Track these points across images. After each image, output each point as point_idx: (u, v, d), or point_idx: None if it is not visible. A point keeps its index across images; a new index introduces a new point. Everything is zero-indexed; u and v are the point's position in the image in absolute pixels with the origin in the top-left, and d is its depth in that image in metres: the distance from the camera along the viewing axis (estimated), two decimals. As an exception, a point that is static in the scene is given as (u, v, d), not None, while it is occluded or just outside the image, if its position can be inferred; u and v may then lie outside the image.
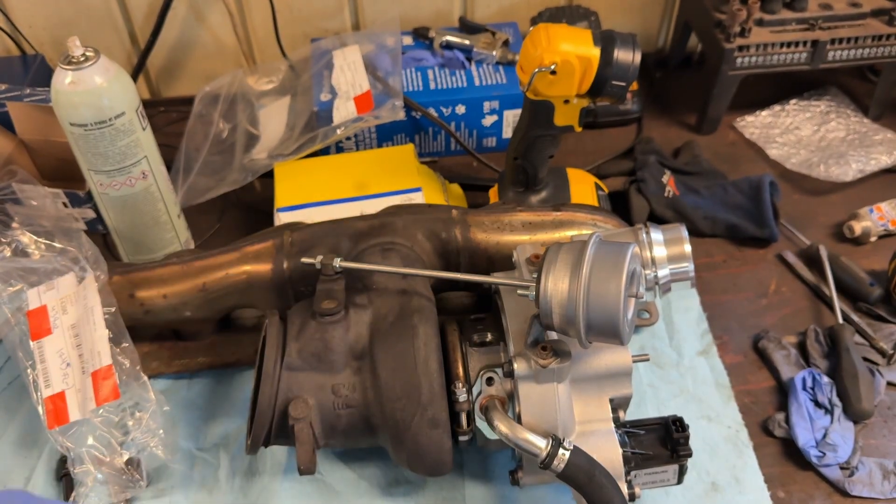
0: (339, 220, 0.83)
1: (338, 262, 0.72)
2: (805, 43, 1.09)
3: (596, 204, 0.97)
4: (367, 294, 0.74)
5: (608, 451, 0.66)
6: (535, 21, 1.22)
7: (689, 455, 0.68)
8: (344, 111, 1.04)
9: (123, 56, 1.25)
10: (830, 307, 0.93)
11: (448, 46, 1.16)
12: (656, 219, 1.02)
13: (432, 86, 1.11)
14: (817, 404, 0.82)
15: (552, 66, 0.79)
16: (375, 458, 0.80)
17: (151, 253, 0.95)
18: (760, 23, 1.09)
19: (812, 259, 0.99)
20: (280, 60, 1.21)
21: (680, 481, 0.70)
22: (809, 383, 0.83)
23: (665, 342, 0.91)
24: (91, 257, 0.81)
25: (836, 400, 0.82)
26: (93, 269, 0.80)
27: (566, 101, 0.84)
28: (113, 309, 0.78)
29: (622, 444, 0.67)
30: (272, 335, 0.70)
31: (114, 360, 0.75)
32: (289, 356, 0.70)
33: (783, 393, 0.85)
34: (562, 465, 0.62)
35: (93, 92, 0.80)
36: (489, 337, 0.72)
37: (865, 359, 0.86)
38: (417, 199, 0.94)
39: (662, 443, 0.69)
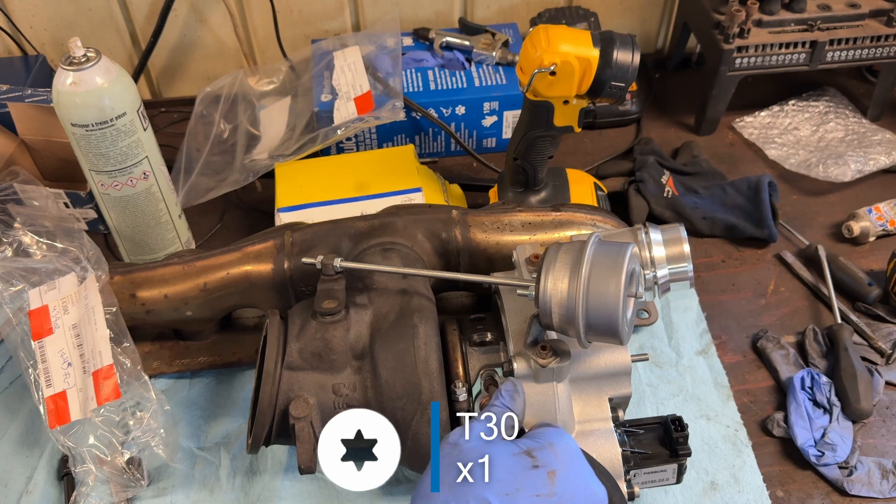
0: (339, 221, 0.83)
1: (338, 262, 0.72)
2: (804, 44, 1.09)
3: (595, 204, 0.97)
4: (368, 294, 0.74)
5: (607, 451, 0.66)
6: (534, 22, 1.22)
7: (688, 454, 0.69)
8: (344, 112, 1.05)
9: (125, 57, 1.25)
10: (829, 307, 0.93)
11: (448, 47, 1.16)
12: (655, 219, 1.02)
13: (432, 86, 1.11)
14: (816, 404, 0.83)
15: (552, 67, 0.79)
16: (376, 457, 0.80)
17: (153, 253, 0.95)
18: (759, 24, 1.09)
19: (811, 259, 0.99)
20: (281, 61, 1.21)
21: (679, 480, 0.71)
22: (808, 383, 0.84)
23: (664, 342, 0.91)
24: (92, 257, 0.82)
25: (834, 399, 0.83)
26: (94, 269, 0.80)
27: (566, 102, 0.84)
28: (114, 309, 0.78)
29: (621, 444, 0.67)
30: (273, 335, 0.71)
31: (115, 360, 0.76)
32: (289, 356, 0.70)
33: (782, 392, 0.86)
34: (561, 465, 0.62)
35: (94, 92, 0.80)
36: (489, 337, 0.73)
37: (864, 358, 0.87)
38: (418, 199, 0.94)
39: (661, 442, 0.69)
